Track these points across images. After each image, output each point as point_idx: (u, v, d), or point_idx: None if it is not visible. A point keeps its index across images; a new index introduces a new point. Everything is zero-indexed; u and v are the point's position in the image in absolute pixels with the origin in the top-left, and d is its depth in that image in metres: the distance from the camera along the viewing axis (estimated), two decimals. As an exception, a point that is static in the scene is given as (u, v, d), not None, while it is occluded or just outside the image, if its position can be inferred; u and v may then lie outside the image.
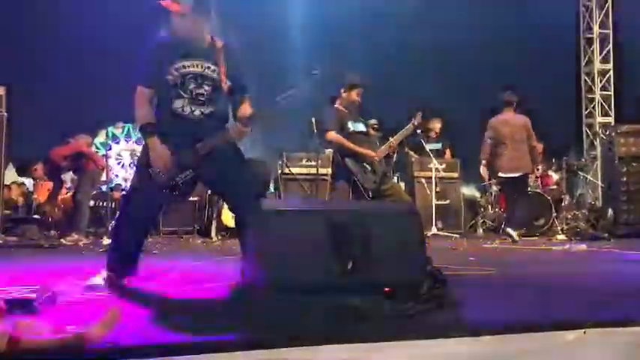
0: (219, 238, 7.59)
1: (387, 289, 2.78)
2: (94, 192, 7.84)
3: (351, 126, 5.19)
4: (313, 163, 7.87)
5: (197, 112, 3.19)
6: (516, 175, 7.40)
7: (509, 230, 7.28)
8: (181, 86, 3.17)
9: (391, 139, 5.53)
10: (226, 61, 3.24)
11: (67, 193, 8.25)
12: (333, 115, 5.26)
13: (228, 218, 8.11)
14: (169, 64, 3.18)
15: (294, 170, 8.28)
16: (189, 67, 3.19)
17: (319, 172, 7.66)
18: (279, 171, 8.45)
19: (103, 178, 7.90)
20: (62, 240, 6.79)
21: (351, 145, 5.11)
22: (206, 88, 3.20)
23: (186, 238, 7.69)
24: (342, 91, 5.28)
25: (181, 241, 7.34)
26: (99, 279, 3.20)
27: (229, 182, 3.29)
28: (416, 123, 5.48)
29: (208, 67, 3.22)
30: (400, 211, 3.18)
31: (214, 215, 8.04)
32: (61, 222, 7.78)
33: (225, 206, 8.15)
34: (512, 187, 7.60)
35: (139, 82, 3.25)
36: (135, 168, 3.37)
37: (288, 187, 8.22)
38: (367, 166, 5.14)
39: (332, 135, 5.14)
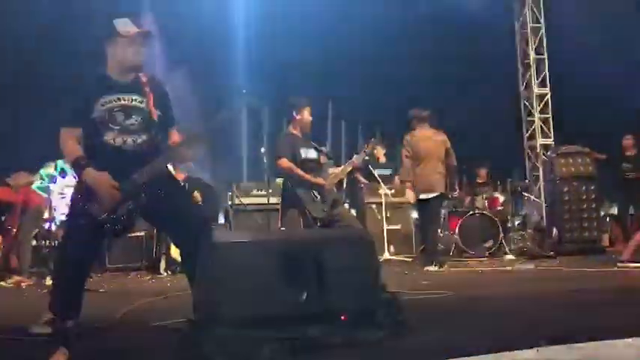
0: (169, 273, 7.39)
1: (342, 317, 2.75)
2: (36, 230, 7.54)
3: (303, 153, 5.15)
4: (264, 192, 7.81)
5: (129, 142, 3.14)
6: (430, 196, 6.79)
7: (429, 268, 6.56)
8: (110, 120, 3.12)
9: (341, 168, 5.53)
10: (153, 92, 3.24)
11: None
12: (285, 142, 5.20)
13: (177, 253, 7.93)
14: (95, 99, 3.14)
15: (245, 201, 8.20)
16: (114, 100, 3.16)
17: (271, 201, 7.60)
18: (229, 202, 8.35)
19: (46, 215, 7.62)
20: (2, 282, 6.48)
21: (302, 173, 5.07)
22: (135, 118, 3.17)
23: (134, 274, 7.46)
24: (294, 113, 5.21)
25: (129, 278, 7.12)
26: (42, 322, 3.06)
27: (170, 215, 3.22)
28: (367, 152, 5.48)
29: (135, 99, 3.20)
30: (353, 237, 3.17)
31: (163, 250, 7.84)
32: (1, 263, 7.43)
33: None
34: (426, 210, 6.99)
35: (64, 122, 3.21)
36: (70, 205, 3.26)
37: (239, 219, 8.12)
38: (317, 194, 5.10)
39: (283, 162, 5.08)
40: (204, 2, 8.89)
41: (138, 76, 3.26)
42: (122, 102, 3.17)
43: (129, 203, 3.09)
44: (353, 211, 8.55)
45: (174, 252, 7.87)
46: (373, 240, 3.12)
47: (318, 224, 5.01)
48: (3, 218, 7.07)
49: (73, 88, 3.28)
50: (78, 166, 3.11)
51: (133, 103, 3.19)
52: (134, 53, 3.20)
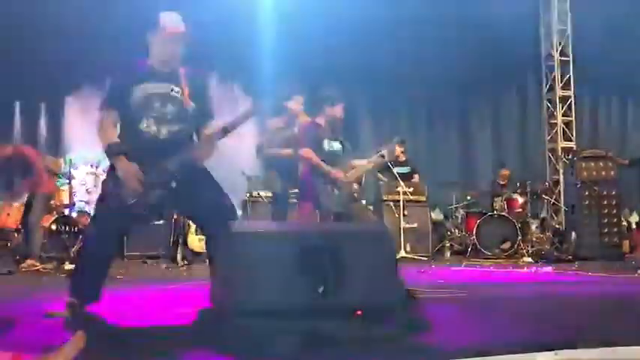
0: (185, 263, 7.44)
1: (359, 312, 2.75)
2: (56, 215, 7.62)
3: (327, 145, 5.07)
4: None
5: (164, 131, 3.17)
6: None
7: None
8: (146, 106, 3.15)
9: (364, 163, 5.44)
10: (189, 86, 3.27)
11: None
12: (311, 131, 5.11)
13: (194, 243, 7.98)
14: (134, 85, 3.18)
15: (263, 194, 8.21)
16: (153, 88, 3.20)
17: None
18: (247, 194, 8.36)
19: (65, 201, 7.70)
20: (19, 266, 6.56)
21: (323, 165, 4.98)
22: (171, 107, 3.20)
23: (151, 263, 7.52)
24: (328, 105, 5.09)
25: (146, 266, 7.18)
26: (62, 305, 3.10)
27: (199, 203, 3.24)
28: (386, 151, 5.36)
29: (172, 89, 3.23)
30: (373, 232, 3.16)
31: (180, 240, 7.89)
32: (19, 247, 7.51)
33: (191, 230, 8.04)
34: None
35: (103, 104, 3.25)
36: (100, 191, 3.30)
37: (256, 210, 8.13)
38: (335, 188, 5.07)
39: (307, 152, 4.97)
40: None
41: (176, 67, 3.28)
42: (160, 90, 3.20)
43: (159, 191, 3.11)
44: (370, 208, 8.51)
45: (191, 242, 7.94)
46: (391, 236, 3.11)
47: (333, 218, 4.95)
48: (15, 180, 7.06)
49: (113, 74, 3.30)
50: (111, 152, 3.14)
51: (171, 92, 3.22)
52: (175, 49, 3.24)
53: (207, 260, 3.41)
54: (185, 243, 7.98)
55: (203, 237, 7.34)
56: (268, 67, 9.10)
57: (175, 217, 7.71)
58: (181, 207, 3.51)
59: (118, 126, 3.25)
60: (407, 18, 10.20)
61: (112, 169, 3.20)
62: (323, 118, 5.07)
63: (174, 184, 3.14)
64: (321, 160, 4.96)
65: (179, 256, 7.64)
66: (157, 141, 3.17)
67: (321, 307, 2.68)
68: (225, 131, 3.27)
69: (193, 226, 7.83)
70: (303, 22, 9.73)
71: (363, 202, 7.97)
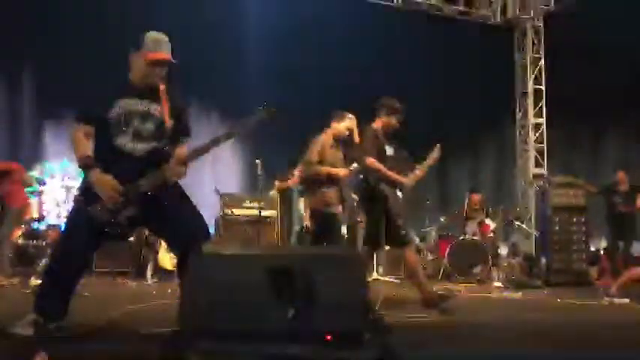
0: (155, 280, 7.34)
1: (328, 336, 2.73)
2: (24, 229, 7.49)
3: (388, 151, 5.11)
4: (256, 204, 7.79)
5: (140, 147, 3.16)
6: None
7: None
8: (125, 123, 3.13)
9: (419, 168, 5.35)
10: (170, 102, 3.26)
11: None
12: (372, 140, 5.10)
13: (165, 260, 7.88)
14: (113, 101, 3.16)
15: (237, 212, 8.17)
16: (132, 105, 3.19)
17: (263, 214, 7.58)
18: (220, 212, 8.30)
19: (35, 215, 7.57)
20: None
21: (390, 173, 5.00)
22: (149, 125, 3.19)
23: (120, 279, 7.40)
24: (385, 113, 5.17)
25: (115, 283, 7.06)
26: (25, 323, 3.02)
27: (171, 223, 3.21)
28: (436, 156, 5.41)
29: (151, 107, 3.22)
30: (343, 256, 3.16)
31: (150, 256, 7.79)
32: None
33: (163, 247, 7.94)
34: None
35: (79, 118, 3.22)
36: (72, 205, 3.25)
37: (230, 229, 8.08)
38: (399, 192, 5.10)
39: (372, 161, 4.97)
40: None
41: (157, 84, 3.27)
42: (139, 107, 3.19)
43: (132, 208, 3.08)
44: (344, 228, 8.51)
45: (162, 259, 7.84)
46: (362, 259, 3.12)
47: (400, 222, 4.97)
48: None
49: (93, 85, 3.29)
50: (85, 166, 3.11)
51: (149, 110, 3.21)
52: (158, 72, 3.24)
53: (179, 281, 3.37)
54: (156, 260, 7.87)
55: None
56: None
57: (147, 233, 7.62)
58: (153, 225, 3.46)
59: (93, 140, 3.22)
60: (397, 46, 10.37)
61: (84, 183, 3.16)
62: (380, 125, 5.14)
63: (147, 203, 3.12)
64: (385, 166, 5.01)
65: (149, 274, 7.54)
66: (134, 158, 3.15)
67: (290, 331, 2.67)
68: (198, 153, 3.28)
69: (165, 243, 7.75)
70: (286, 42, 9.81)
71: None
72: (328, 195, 5.48)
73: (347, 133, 5.57)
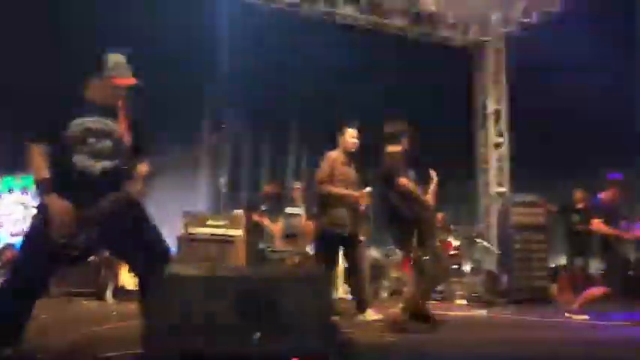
0: (116, 301, 7.17)
1: (294, 358, 2.71)
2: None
3: (409, 174, 5.08)
4: (220, 223, 7.70)
5: (99, 167, 3.11)
6: None
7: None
8: (81, 141, 3.08)
9: (432, 188, 5.33)
10: (127, 120, 3.23)
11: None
12: (399, 162, 5.07)
13: (126, 280, 7.72)
14: (69, 120, 3.11)
15: (200, 231, 8.05)
16: (90, 123, 3.14)
17: (227, 233, 7.51)
18: (183, 231, 8.17)
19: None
20: None
21: (418, 194, 4.98)
22: (107, 143, 3.15)
23: (79, 300, 7.20)
24: (401, 138, 5.18)
25: (74, 304, 6.86)
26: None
27: (132, 244, 3.15)
28: (436, 179, 5.42)
29: (108, 124, 3.18)
30: (309, 277, 3.15)
31: (111, 277, 7.61)
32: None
33: (124, 267, 7.78)
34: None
35: (37, 137, 3.15)
36: (29, 227, 3.16)
37: (193, 250, 7.95)
38: (429, 213, 5.11)
39: (405, 181, 4.90)
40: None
41: (116, 102, 3.23)
42: (97, 125, 3.14)
43: (91, 230, 3.01)
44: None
45: (123, 279, 7.67)
46: (328, 280, 3.11)
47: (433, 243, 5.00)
48: None
49: (50, 104, 3.23)
50: (43, 189, 3.03)
51: (107, 127, 3.16)
52: (119, 94, 3.23)
53: (140, 303, 3.29)
54: (117, 279, 7.70)
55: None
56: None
57: (108, 253, 7.45)
58: (113, 247, 3.39)
59: (50, 159, 3.14)
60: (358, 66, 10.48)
61: (41, 206, 3.08)
62: (400, 148, 5.14)
63: (106, 224, 3.05)
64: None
65: (109, 294, 7.37)
66: (92, 177, 3.09)
67: (255, 354, 2.64)
68: (147, 179, 3.25)
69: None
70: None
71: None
72: (337, 216, 5.42)
73: (354, 143, 5.67)
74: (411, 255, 4.84)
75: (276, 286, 2.80)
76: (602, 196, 6.42)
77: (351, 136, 5.69)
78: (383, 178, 5.07)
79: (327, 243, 5.57)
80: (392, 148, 5.14)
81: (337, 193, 5.43)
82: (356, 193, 5.45)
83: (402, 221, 4.93)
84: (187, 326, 2.57)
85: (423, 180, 5.25)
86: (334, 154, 5.66)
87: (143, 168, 3.27)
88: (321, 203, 5.56)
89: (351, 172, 5.63)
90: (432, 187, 5.23)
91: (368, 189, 5.50)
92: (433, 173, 5.31)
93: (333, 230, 5.44)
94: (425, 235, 4.84)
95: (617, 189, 6.38)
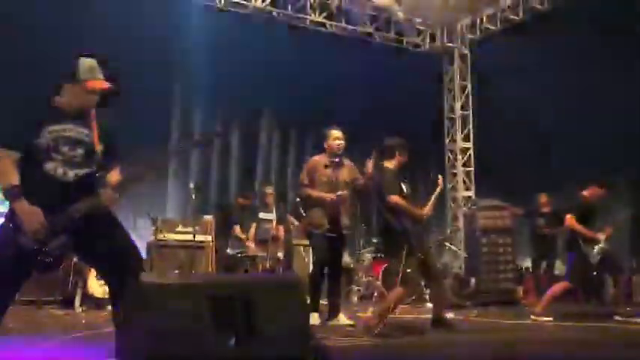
0: (84, 309, 7.08)
1: (270, 364, 2.74)
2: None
3: (404, 188, 5.20)
4: (190, 229, 7.67)
5: (71, 174, 3.09)
6: None
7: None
8: (54, 149, 3.06)
9: (432, 200, 5.52)
10: (99, 127, 3.22)
11: None
12: (392, 179, 5.17)
13: (94, 287, 7.61)
14: (41, 127, 3.08)
15: (169, 237, 8.00)
16: (62, 131, 3.12)
17: (196, 239, 7.48)
18: (153, 237, 8.11)
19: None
20: None
21: (413, 209, 5.11)
22: (80, 151, 3.14)
23: (46, 308, 7.08)
24: (397, 154, 5.27)
25: (41, 313, 6.75)
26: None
27: (104, 252, 3.14)
28: (441, 187, 5.60)
29: (81, 132, 3.16)
30: (283, 282, 3.18)
31: (79, 284, 7.50)
32: None
33: (92, 275, 7.67)
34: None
35: (5, 143, 3.11)
36: None
37: (163, 255, 7.90)
38: (419, 226, 5.23)
39: (397, 199, 5.02)
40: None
41: (88, 110, 3.22)
42: (69, 133, 3.12)
43: (62, 237, 2.99)
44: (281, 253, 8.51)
45: (91, 286, 7.56)
46: (302, 285, 3.14)
47: (421, 256, 5.06)
48: None
49: (20, 111, 3.19)
50: (12, 195, 2.99)
51: (79, 135, 3.14)
52: (91, 100, 3.20)
53: (112, 310, 3.27)
54: (85, 287, 7.59)
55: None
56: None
57: (75, 260, 7.35)
58: (85, 253, 3.37)
59: (20, 167, 3.11)
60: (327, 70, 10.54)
61: (11, 212, 3.05)
62: (394, 163, 5.25)
63: (77, 231, 3.04)
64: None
65: (77, 302, 7.26)
66: (63, 184, 3.07)
67: (232, 358, 2.66)
68: (132, 180, 3.25)
69: (94, 270, 7.49)
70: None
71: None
72: (314, 217, 5.68)
73: (338, 145, 5.76)
74: (399, 267, 4.90)
75: (252, 292, 2.82)
76: (585, 193, 6.57)
77: (333, 138, 5.79)
78: (376, 192, 5.22)
79: (311, 243, 5.92)
80: (386, 164, 5.28)
81: (311, 195, 5.68)
82: (330, 196, 5.55)
83: (392, 234, 5.07)
84: (164, 333, 2.57)
85: (426, 185, 5.46)
86: (316, 158, 5.83)
87: (115, 176, 3.27)
88: (303, 206, 5.83)
89: (336, 175, 5.73)
90: (435, 194, 5.48)
91: (341, 192, 5.57)
92: (440, 180, 5.53)
93: (311, 231, 5.70)
94: (413, 248, 4.94)
95: (598, 190, 6.54)
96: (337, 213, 5.64)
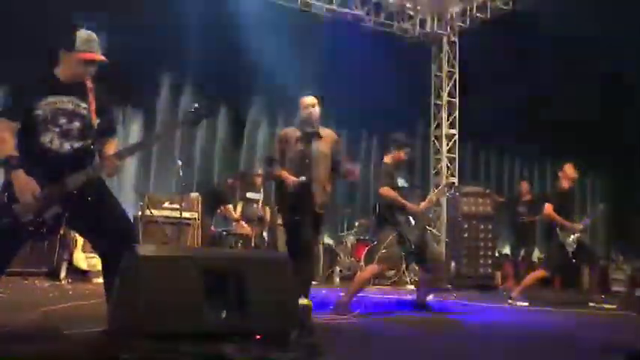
0: (69, 281, 7.14)
1: (258, 336, 2.85)
2: None
3: (399, 181, 5.47)
4: (177, 206, 7.73)
5: (67, 146, 3.14)
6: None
7: None
8: (51, 121, 3.12)
9: (431, 196, 6.02)
10: (96, 99, 3.27)
11: None
12: (386, 172, 5.50)
13: (80, 260, 7.65)
14: (39, 99, 3.13)
15: (156, 212, 8.06)
16: (59, 103, 3.17)
17: (183, 215, 7.55)
18: (140, 213, 8.16)
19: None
20: None
21: (403, 201, 5.37)
22: (77, 124, 3.19)
23: (32, 280, 7.12)
24: (395, 149, 5.56)
25: (27, 284, 6.79)
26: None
27: (100, 223, 3.21)
28: (444, 191, 5.89)
29: (79, 105, 3.22)
30: (272, 259, 3.29)
31: (65, 256, 7.55)
32: None
33: (78, 247, 7.71)
34: None
35: (4, 113, 3.16)
36: None
37: (149, 231, 7.96)
38: (412, 219, 5.40)
39: (385, 190, 5.36)
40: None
41: (84, 81, 3.26)
42: (66, 105, 3.17)
43: (57, 208, 3.06)
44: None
45: (77, 259, 7.61)
46: (290, 263, 3.24)
47: (411, 246, 5.31)
48: None
49: (18, 84, 3.22)
50: (8, 165, 3.04)
51: (77, 108, 3.19)
52: (88, 71, 3.25)
53: (104, 281, 3.35)
54: (70, 260, 7.64)
55: (91, 255, 7.13)
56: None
57: (62, 232, 7.38)
58: (79, 224, 3.43)
59: (17, 137, 3.16)
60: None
61: (7, 182, 3.10)
62: (390, 159, 5.55)
63: (72, 202, 3.10)
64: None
65: (63, 274, 7.32)
66: (59, 156, 3.13)
67: (221, 331, 2.76)
68: (128, 152, 3.33)
69: (80, 243, 7.53)
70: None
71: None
72: (279, 198, 5.12)
73: (310, 114, 4.88)
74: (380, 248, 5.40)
75: (243, 267, 2.92)
76: (562, 183, 6.76)
77: (305, 105, 4.93)
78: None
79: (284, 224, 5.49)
80: (385, 158, 5.61)
81: (277, 176, 4.91)
82: (291, 179, 4.72)
83: (383, 222, 5.43)
84: (155, 305, 2.66)
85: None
86: (287, 131, 5.03)
87: (112, 148, 3.34)
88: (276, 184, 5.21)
89: (306, 152, 4.84)
90: (436, 193, 6.09)
91: (302, 178, 4.75)
92: (448, 184, 5.79)
93: (280, 213, 5.61)
94: (403, 238, 5.29)
95: (573, 178, 6.75)
96: (308, 193, 4.76)
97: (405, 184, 5.58)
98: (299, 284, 5.10)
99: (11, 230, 3.06)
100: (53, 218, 3.10)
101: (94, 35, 3.25)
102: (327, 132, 5.02)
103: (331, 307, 5.12)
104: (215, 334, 2.72)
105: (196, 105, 3.36)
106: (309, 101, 4.94)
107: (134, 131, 10.59)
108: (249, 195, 8.43)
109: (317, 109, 4.93)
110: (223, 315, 2.78)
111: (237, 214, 8.32)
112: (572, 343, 3.99)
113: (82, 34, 3.23)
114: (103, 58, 3.25)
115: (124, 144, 3.43)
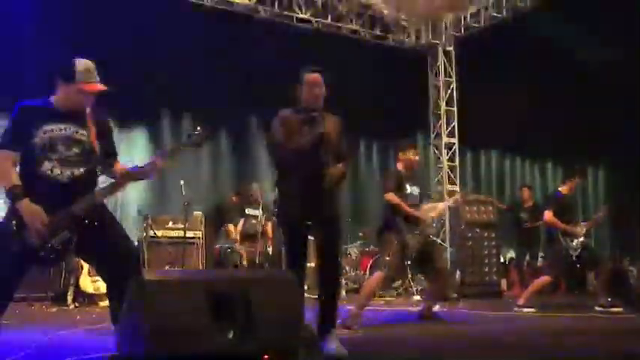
0: (76, 305, 7.15)
1: (266, 356, 2.86)
2: None
3: (409, 188, 5.41)
4: (180, 225, 7.77)
5: (67, 174, 3.17)
6: None
7: None
8: (50, 149, 3.14)
9: (440, 207, 5.96)
10: (96, 125, 3.30)
11: None
12: (392, 176, 5.47)
13: (86, 284, 7.68)
14: (37, 127, 3.16)
15: (160, 233, 8.09)
16: (58, 130, 3.19)
17: (186, 235, 7.58)
18: (144, 233, 8.20)
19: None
20: None
21: (407, 209, 5.30)
22: (76, 150, 3.21)
23: (38, 305, 7.13)
24: (400, 153, 5.54)
25: (33, 309, 6.80)
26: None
27: (104, 248, 3.24)
28: (460, 199, 5.81)
29: (77, 132, 3.24)
30: (280, 279, 3.31)
31: (71, 281, 7.56)
32: None
33: (84, 272, 7.72)
34: None
35: (4, 144, 3.19)
36: None
37: (153, 252, 7.98)
38: (417, 228, 5.34)
39: (390, 196, 5.30)
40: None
41: (83, 109, 3.29)
42: (64, 132, 3.20)
43: (66, 233, 3.09)
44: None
45: (84, 283, 7.63)
46: (297, 281, 3.26)
47: (410, 256, 5.29)
48: None
49: (17, 113, 3.24)
50: (14, 195, 3.08)
51: (76, 134, 3.22)
52: (87, 101, 3.29)
53: (110, 305, 3.37)
54: (77, 284, 7.65)
55: (96, 278, 7.13)
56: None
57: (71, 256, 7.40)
58: (84, 249, 3.46)
59: (19, 167, 3.20)
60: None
61: (13, 210, 3.13)
62: (402, 165, 5.50)
63: (78, 228, 3.13)
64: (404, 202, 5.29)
65: (70, 298, 7.33)
66: (60, 184, 3.15)
67: (230, 352, 2.78)
68: (132, 177, 3.36)
69: (86, 267, 7.55)
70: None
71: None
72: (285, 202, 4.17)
73: (313, 95, 3.91)
74: (384, 257, 5.34)
75: (250, 287, 2.94)
76: (562, 189, 6.78)
77: (308, 82, 3.96)
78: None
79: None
80: (397, 165, 5.59)
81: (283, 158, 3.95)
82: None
83: (387, 231, 5.37)
84: (164, 329, 2.68)
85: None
86: (286, 114, 3.98)
87: (119, 168, 3.37)
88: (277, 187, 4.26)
89: (305, 133, 3.84)
90: (444, 204, 6.03)
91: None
92: (461, 196, 5.76)
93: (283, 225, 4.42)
94: (405, 245, 5.23)
95: (575, 182, 6.77)
96: (317, 192, 3.74)
97: (415, 192, 5.52)
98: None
99: (22, 256, 3.09)
100: (62, 243, 3.13)
101: (92, 64, 3.28)
102: (330, 117, 4.08)
103: (340, 321, 5.11)
104: (223, 355, 2.73)
105: (199, 128, 3.40)
106: (313, 78, 4.00)
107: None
108: (248, 211, 8.44)
109: (323, 89, 4.01)
110: (231, 336, 2.79)
111: (238, 231, 8.31)
112: (575, 348, 4.00)
113: (82, 63, 3.25)
114: (104, 88, 3.28)
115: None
